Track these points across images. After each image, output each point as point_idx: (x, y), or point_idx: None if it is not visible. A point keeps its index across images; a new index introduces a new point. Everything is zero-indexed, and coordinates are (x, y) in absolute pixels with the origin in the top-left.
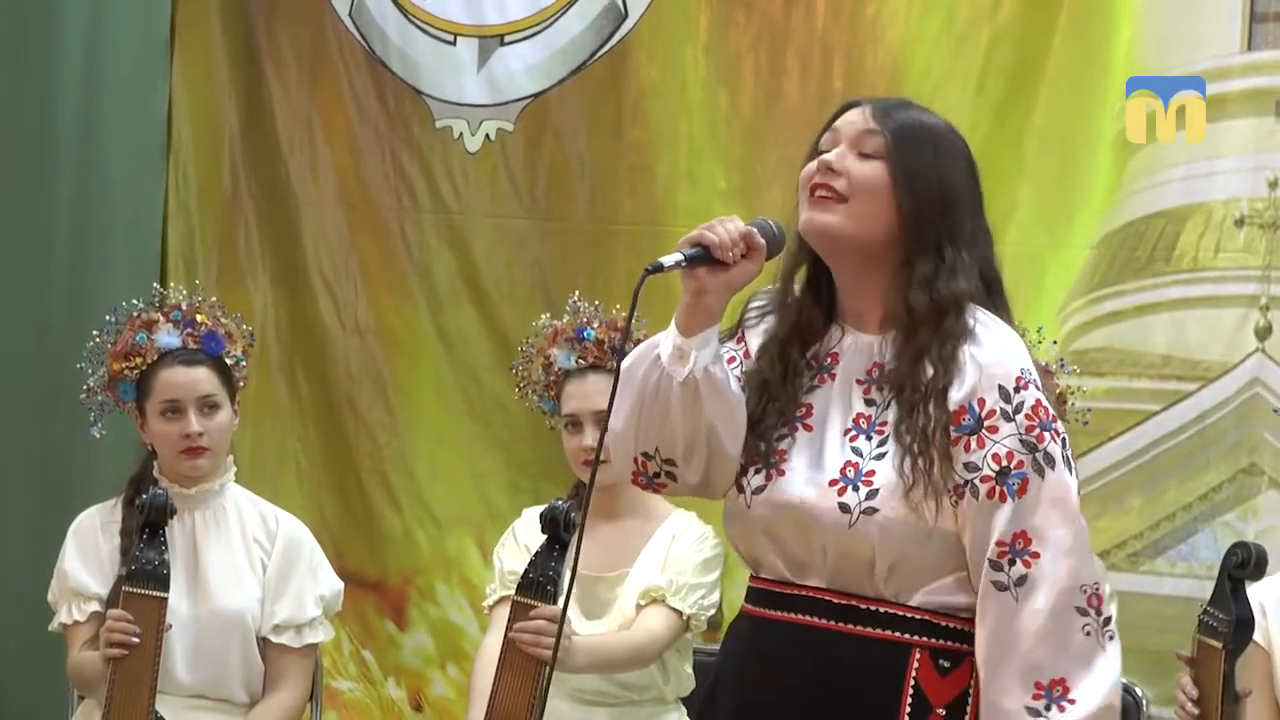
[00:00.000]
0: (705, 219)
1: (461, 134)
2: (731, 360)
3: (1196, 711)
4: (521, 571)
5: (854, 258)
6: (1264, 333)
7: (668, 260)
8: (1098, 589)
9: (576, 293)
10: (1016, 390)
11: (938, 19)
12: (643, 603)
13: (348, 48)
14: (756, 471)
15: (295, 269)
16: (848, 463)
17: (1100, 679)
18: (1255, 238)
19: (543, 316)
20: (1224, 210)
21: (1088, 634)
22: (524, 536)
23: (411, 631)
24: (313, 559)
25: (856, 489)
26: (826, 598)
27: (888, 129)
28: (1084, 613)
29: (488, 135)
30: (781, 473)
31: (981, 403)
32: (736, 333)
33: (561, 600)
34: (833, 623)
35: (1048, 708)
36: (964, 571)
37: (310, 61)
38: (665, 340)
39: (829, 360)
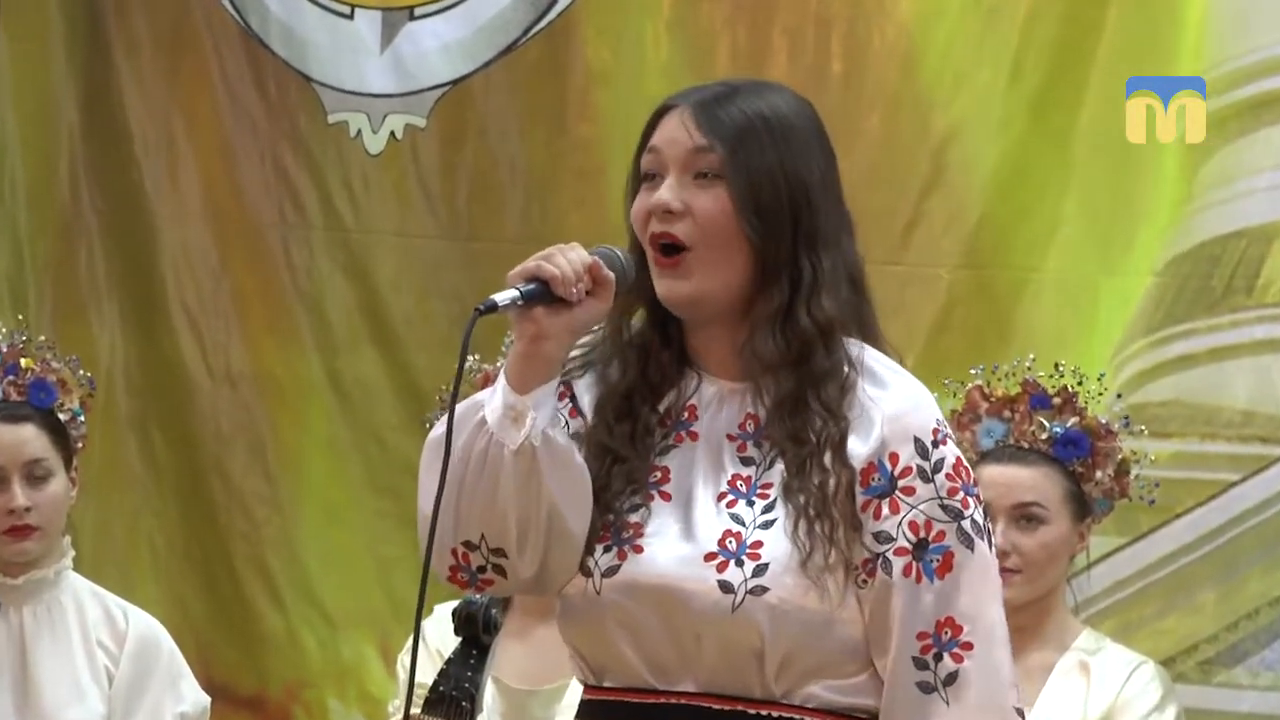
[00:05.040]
0: None
1: (361, 131)
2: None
3: None
4: (431, 684)
5: (715, 311)
6: None
7: (502, 298)
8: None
9: None
10: (935, 445)
11: None
12: None
13: (218, 23)
14: (606, 549)
15: (150, 300)
16: (728, 532)
17: None
18: None
19: (472, 358)
20: None
21: None
22: (435, 639)
23: None
24: (171, 667)
25: (740, 564)
26: (704, 704)
27: (719, 140)
28: (1021, 714)
29: (394, 133)
30: (639, 549)
31: (895, 458)
32: (559, 387)
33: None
34: None
35: None
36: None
37: (170, 40)
38: (492, 399)
39: (686, 415)
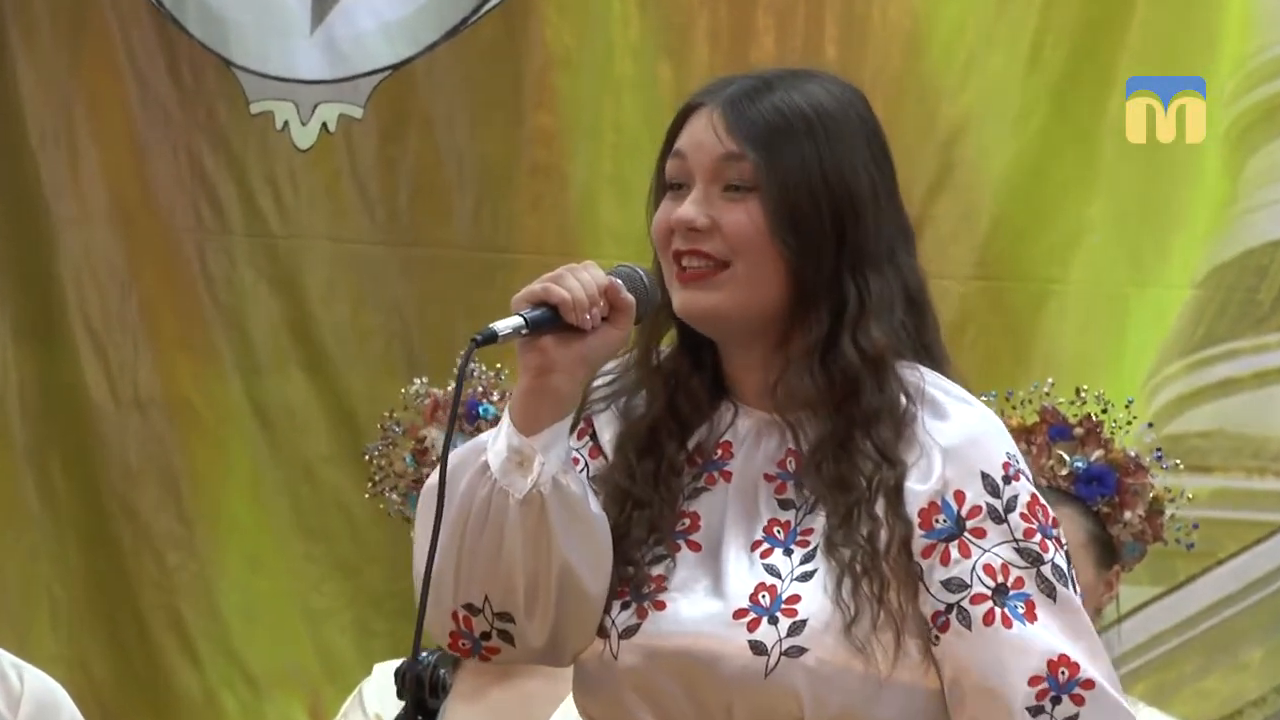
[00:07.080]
0: (639, 241)
1: (288, 123)
2: (575, 462)
3: None
4: None
5: (743, 332)
6: None
7: (503, 326)
8: None
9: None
10: (1007, 481)
11: None
12: None
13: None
14: (624, 607)
15: (48, 315)
16: (761, 585)
17: None
18: None
19: (417, 381)
20: None
21: None
22: (375, 703)
23: None
24: None
25: (774, 621)
26: None
27: (752, 144)
28: None
29: (325, 124)
30: (661, 605)
31: (960, 497)
32: (578, 423)
33: None
34: None
35: None
36: None
37: (71, 19)
38: (496, 441)
39: (719, 453)
